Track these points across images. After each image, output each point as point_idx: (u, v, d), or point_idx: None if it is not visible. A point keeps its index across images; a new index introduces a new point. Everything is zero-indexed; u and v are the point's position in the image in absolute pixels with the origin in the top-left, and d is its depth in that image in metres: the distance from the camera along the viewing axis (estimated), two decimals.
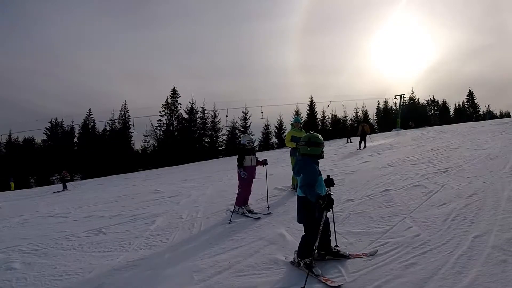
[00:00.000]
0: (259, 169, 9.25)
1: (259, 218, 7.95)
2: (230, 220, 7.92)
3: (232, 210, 8.64)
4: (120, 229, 8.48)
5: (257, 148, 55.30)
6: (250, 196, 9.06)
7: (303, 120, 59.63)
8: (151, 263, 5.87)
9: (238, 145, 9.48)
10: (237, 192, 8.98)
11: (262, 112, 56.70)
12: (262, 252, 5.54)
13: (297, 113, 60.86)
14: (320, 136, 4.79)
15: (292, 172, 9.01)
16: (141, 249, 6.75)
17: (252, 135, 56.05)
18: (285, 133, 58.16)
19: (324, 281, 4.22)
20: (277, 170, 16.11)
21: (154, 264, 5.78)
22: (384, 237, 5.51)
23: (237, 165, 8.84)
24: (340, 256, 4.80)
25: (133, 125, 53.37)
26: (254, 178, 9.11)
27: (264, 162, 9.06)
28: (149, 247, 6.85)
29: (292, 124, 10.37)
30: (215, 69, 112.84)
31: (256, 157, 9.11)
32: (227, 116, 56.37)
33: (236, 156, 9.03)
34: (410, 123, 50.26)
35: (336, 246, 4.97)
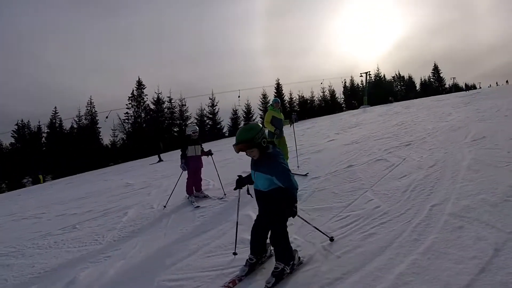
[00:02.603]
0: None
1: (197, 207, 8.08)
2: (198, 206, 8.07)
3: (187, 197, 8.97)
4: (94, 224, 8.47)
5: (226, 134, 55.60)
6: (202, 183, 9.28)
7: (270, 103, 59.63)
8: (124, 253, 5.94)
9: (183, 136, 9.48)
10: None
11: (239, 97, 57.66)
12: (230, 233, 5.66)
13: (264, 96, 61.38)
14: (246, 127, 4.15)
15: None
16: (114, 241, 6.81)
17: (223, 122, 56.49)
18: (254, 117, 58.60)
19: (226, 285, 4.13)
20: (245, 154, 16.11)
21: (126, 254, 5.86)
22: (346, 211, 5.71)
23: (180, 156, 9.00)
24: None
25: (107, 117, 52.12)
26: (202, 167, 9.30)
27: (208, 153, 9.26)
28: (122, 238, 6.91)
29: (271, 105, 10.00)
30: (181, 57, 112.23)
31: (202, 148, 9.28)
32: (239, 97, 58.32)
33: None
34: (390, 98, 50.92)
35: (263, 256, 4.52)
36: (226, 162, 14.46)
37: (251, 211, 6.59)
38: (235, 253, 4.81)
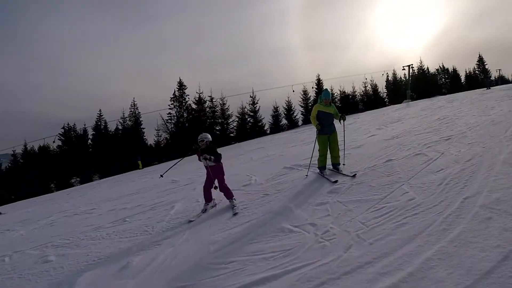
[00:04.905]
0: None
1: (191, 222, 7.56)
2: (192, 220, 7.69)
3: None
4: (143, 217, 8.99)
5: (268, 131, 55.74)
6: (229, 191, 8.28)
7: (311, 100, 59.68)
8: (173, 241, 6.41)
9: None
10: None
11: (293, 91, 64.42)
12: (270, 223, 6.08)
13: (305, 92, 60.97)
14: None
15: (318, 154, 9.03)
16: (163, 231, 7.27)
17: (264, 119, 56.84)
18: (295, 114, 58.37)
19: None
20: (286, 150, 16.68)
21: (175, 242, 6.33)
22: (381, 203, 5.93)
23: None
24: None
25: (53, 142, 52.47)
26: (223, 176, 8.30)
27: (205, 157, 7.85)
28: (170, 228, 7.39)
29: (319, 97, 9.07)
30: (220, 57, 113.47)
31: (209, 156, 7.83)
32: (293, 91, 65.12)
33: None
34: (443, 90, 49.75)
35: None
36: (267, 158, 15.01)
37: (291, 203, 7.03)
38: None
